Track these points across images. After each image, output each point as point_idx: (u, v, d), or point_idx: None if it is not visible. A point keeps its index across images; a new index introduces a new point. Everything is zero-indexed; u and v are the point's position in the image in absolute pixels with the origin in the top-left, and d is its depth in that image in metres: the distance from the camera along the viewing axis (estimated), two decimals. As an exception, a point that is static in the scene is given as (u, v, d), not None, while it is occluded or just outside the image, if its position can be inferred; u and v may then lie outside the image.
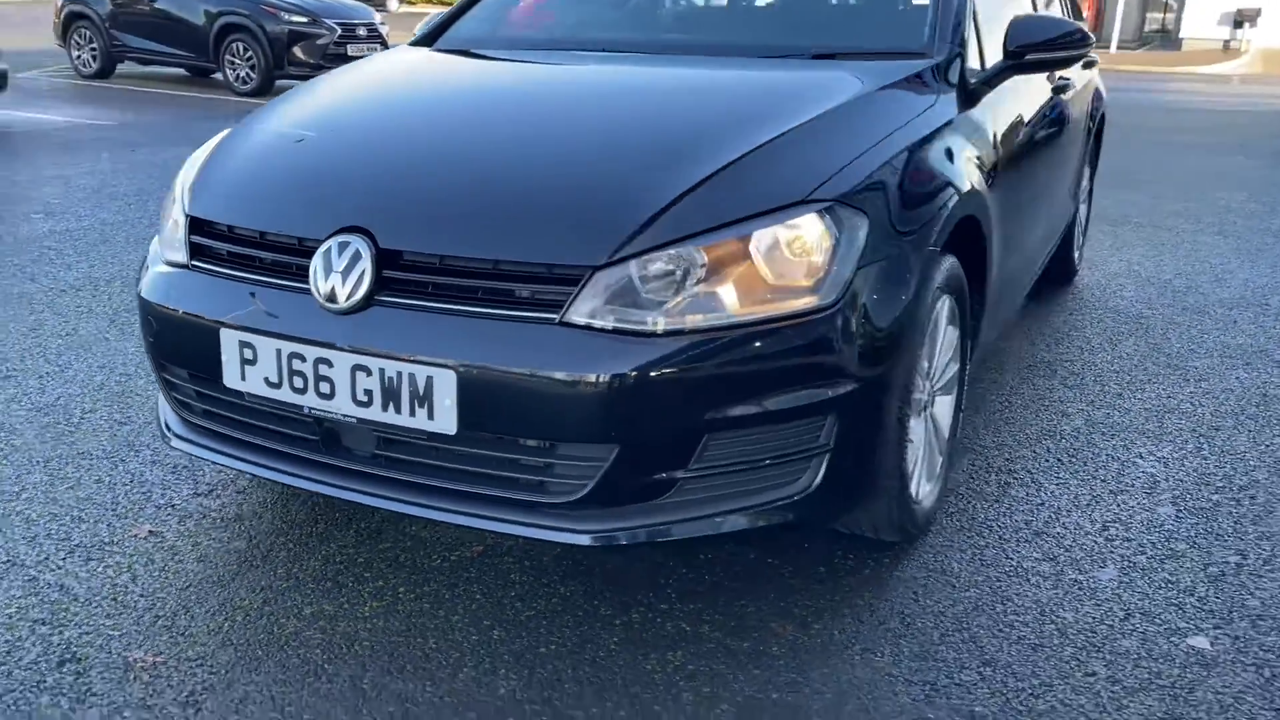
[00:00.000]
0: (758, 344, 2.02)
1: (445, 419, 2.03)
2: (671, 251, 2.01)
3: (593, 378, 1.95)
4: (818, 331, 2.06)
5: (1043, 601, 2.36)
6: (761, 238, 2.06)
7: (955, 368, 2.73)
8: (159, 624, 2.23)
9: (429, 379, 2.02)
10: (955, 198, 2.44)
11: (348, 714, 1.97)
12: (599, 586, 2.39)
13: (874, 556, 2.53)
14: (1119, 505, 2.80)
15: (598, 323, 1.97)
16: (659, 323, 1.98)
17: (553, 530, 2.05)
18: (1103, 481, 2.94)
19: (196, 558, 2.49)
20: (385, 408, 2.07)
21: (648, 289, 2.00)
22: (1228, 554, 2.57)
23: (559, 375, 1.96)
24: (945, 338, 2.61)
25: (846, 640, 2.22)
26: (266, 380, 2.18)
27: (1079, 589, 2.41)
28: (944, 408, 2.75)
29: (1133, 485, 2.92)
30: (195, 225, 2.38)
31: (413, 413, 2.05)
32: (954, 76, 2.80)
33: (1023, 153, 3.20)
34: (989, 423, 3.33)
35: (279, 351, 2.15)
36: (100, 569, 2.44)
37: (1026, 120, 3.29)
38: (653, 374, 1.96)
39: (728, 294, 2.02)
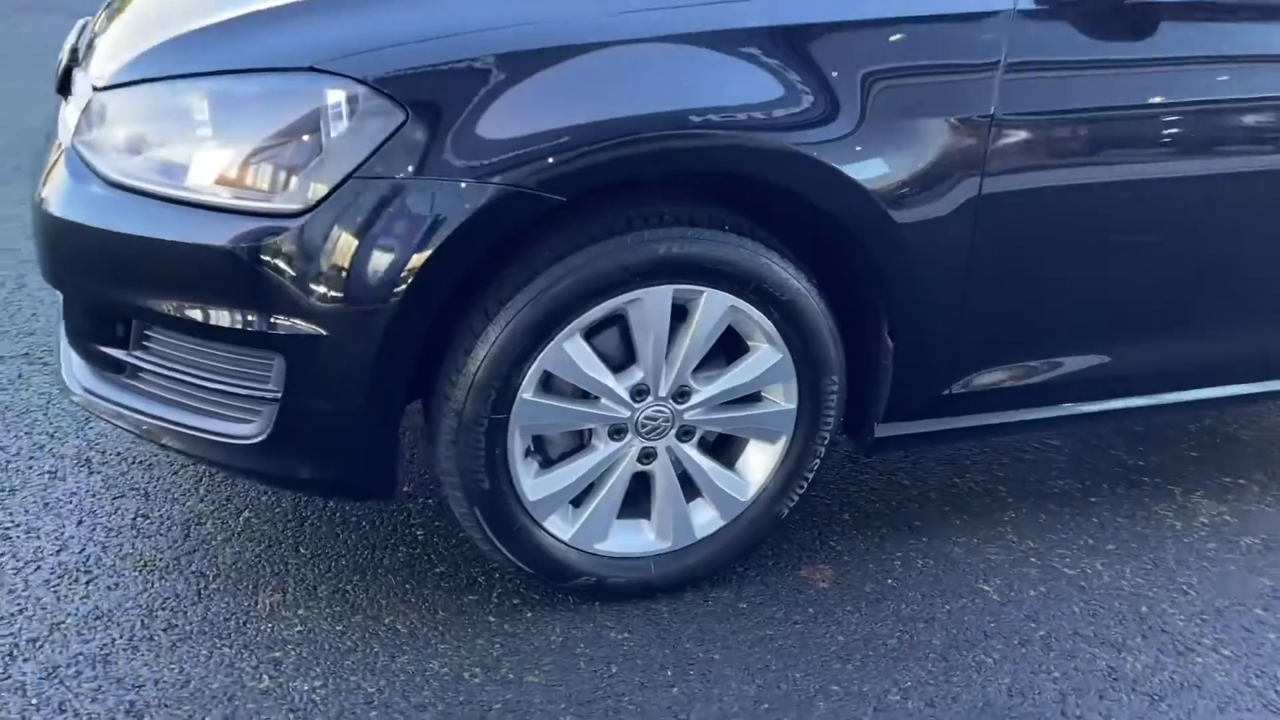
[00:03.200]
0: (196, 232, 1.58)
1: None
2: (139, 91, 1.64)
3: (40, 206, 1.72)
4: (264, 241, 1.54)
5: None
6: (234, 103, 1.58)
7: (782, 408, 1.82)
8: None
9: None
10: (695, 142, 1.57)
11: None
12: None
13: (519, 588, 1.89)
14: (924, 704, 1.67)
15: (80, 149, 1.71)
16: (104, 168, 1.65)
17: (69, 366, 1.89)
18: (966, 670, 1.75)
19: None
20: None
21: (110, 129, 1.67)
22: None
23: (37, 195, 1.76)
24: (709, 353, 1.76)
25: (283, 641, 1.74)
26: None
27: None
28: (748, 457, 1.87)
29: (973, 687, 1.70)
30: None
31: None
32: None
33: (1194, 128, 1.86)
34: (1013, 535, 2.13)
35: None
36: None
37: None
38: (77, 223, 1.66)
39: (182, 158, 1.59)
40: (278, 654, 1.71)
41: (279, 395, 1.61)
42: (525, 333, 1.61)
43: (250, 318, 1.58)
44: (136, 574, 1.85)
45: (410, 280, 1.52)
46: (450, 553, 1.97)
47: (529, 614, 1.84)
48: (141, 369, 1.73)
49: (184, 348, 1.66)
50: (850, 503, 2.21)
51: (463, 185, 1.51)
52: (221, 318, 1.59)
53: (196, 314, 1.60)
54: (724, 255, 1.66)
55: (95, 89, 1.69)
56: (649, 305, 1.67)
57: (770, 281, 1.70)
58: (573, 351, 1.66)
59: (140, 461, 2.15)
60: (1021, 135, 1.72)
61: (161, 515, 2.01)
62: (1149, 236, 1.90)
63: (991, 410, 1.99)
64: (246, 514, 2.03)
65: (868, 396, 1.90)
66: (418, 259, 1.52)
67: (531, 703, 1.65)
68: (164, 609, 1.78)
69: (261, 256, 1.53)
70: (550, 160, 1.52)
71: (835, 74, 1.62)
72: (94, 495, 2.04)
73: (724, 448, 1.91)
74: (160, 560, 1.89)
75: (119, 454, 2.17)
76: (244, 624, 1.76)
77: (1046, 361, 1.97)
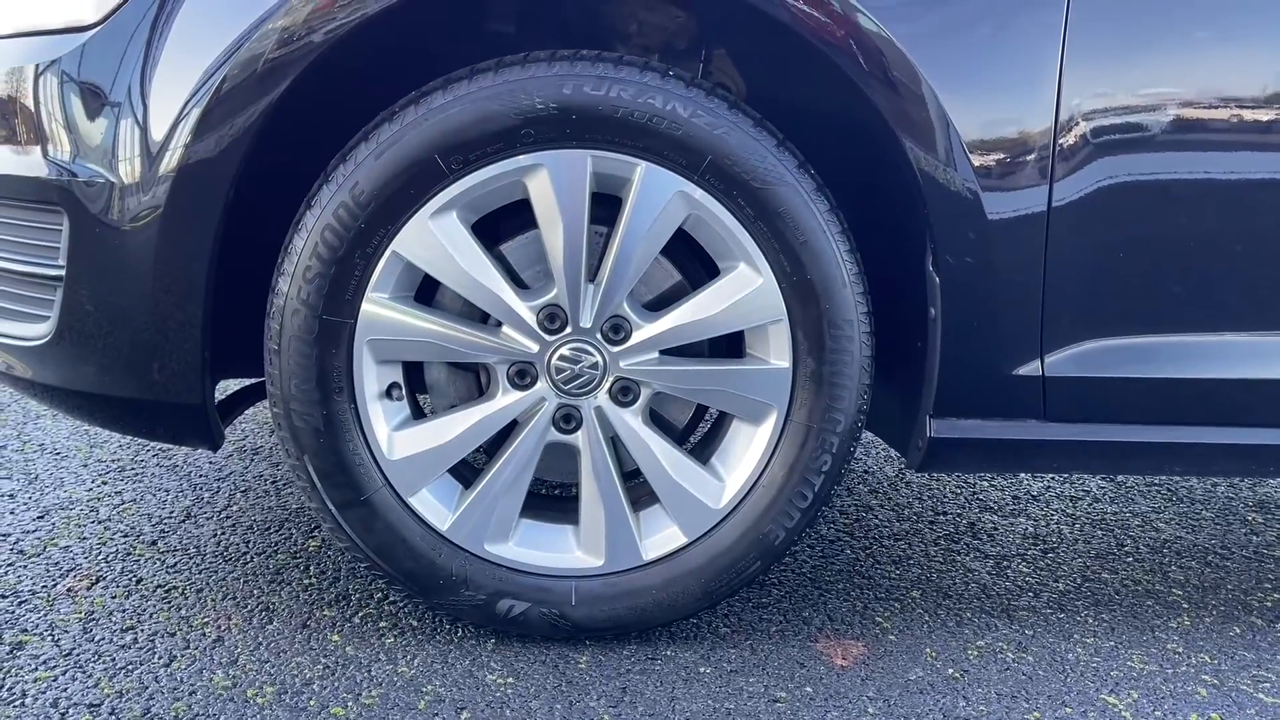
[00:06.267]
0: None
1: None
2: None
3: None
4: (52, 59, 1.21)
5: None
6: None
7: (769, 366, 1.26)
8: None
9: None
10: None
11: None
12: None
13: (396, 612, 1.35)
14: None
15: None
16: None
17: None
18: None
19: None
20: None
21: None
22: None
23: None
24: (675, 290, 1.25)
25: (48, 628, 1.27)
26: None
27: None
28: (730, 446, 1.31)
29: None
30: None
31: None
32: None
33: None
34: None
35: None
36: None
37: None
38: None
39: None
40: (25, 638, 1.25)
41: (61, 275, 1.23)
42: (370, 198, 1.16)
43: (48, 162, 1.22)
44: (-49, 544, 1.47)
45: (215, 103, 1.13)
46: (334, 563, 1.46)
47: (389, 640, 1.29)
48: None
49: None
50: (927, 580, 1.53)
51: (283, -29, 1.12)
52: (17, 164, 1.25)
53: (-7, 164, 1.27)
54: (661, 107, 1.16)
55: None
56: (555, 177, 1.18)
57: (735, 158, 1.17)
58: (443, 234, 1.18)
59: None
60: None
61: (83, 464, 1.64)
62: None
63: (1123, 419, 1.30)
64: (126, 496, 1.62)
65: (913, 372, 1.29)
66: (226, 75, 1.13)
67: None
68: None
69: (52, 77, 1.20)
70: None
71: None
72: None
73: (705, 440, 1.35)
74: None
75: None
76: (18, 605, 1.32)
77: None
